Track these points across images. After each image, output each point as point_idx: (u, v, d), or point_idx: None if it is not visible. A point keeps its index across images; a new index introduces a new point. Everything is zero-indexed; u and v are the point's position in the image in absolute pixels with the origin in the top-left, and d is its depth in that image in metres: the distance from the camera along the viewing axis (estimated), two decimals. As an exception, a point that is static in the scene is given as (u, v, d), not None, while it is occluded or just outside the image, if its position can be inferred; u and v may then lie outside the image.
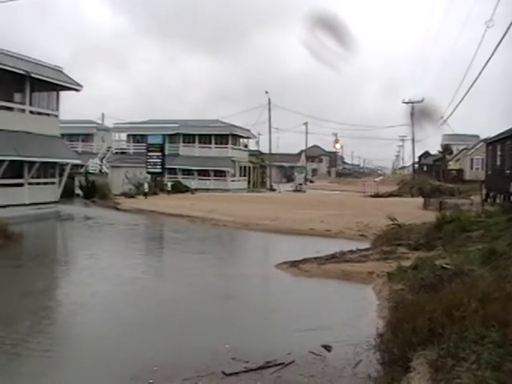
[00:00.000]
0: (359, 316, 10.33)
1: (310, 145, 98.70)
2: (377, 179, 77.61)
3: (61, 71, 29.40)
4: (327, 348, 8.33)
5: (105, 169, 46.78)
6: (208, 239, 21.88)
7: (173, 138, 51.53)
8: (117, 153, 52.81)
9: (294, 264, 14.85)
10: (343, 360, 7.83)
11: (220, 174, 50.22)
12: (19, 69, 25.42)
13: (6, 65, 24.56)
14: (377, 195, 46.66)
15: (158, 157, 45.27)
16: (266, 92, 61.38)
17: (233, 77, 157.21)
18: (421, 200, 33.99)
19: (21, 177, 26.29)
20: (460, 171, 60.28)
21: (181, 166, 49.74)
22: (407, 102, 51.56)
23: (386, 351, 7.25)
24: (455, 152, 68.37)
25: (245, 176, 55.75)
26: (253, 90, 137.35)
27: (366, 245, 18.12)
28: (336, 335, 8.91)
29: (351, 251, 16.29)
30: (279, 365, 7.63)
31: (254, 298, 12.39)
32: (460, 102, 23.65)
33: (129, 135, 55.06)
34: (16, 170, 25.97)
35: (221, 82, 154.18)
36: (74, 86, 29.83)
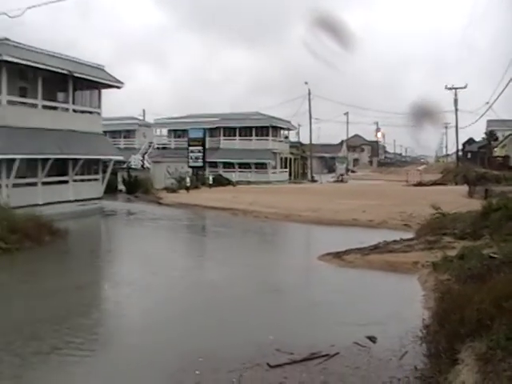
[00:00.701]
0: (404, 307, 10.20)
1: (351, 134, 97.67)
2: (420, 168, 76.25)
3: (102, 69, 29.80)
4: (372, 339, 8.24)
5: (147, 164, 47.30)
6: (250, 231, 21.91)
7: (213, 131, 51.74)
8: (158, 148, 53.38)
9: (338, 255, 14.77)
10: (389, 351, 7.76)
11: (261, 166, 50.17)
12: (62, 69, 25.86)
13: (49, 65, 25.03)
14: (420, 184, 45.80)
15: (199, 151, 45.58)
16: (306, 83, 60.88)
17: (273, 68, 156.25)
18: (465, 188, 33.27)
19: (65, 174, 26.82)
20: (506, 158, 58.51)
21: (222, 160, 49.92)
22: (450, 88, 50.44)
23: (432, 343, 7.13)
24: (501, 138, 66.43)
25: (286, 168, 55.54)
26: (293, 80, 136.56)
27: (409, 235, 17.86)
28: (381, 326, 8.83)
29: (395, 241, 16.09)
30: (324, 356, 7.60)
31: (298, 289, 12.37)
32: (506, 86, 23.00)
33: (170, 130, 55.56)
34: (61, 167, 26.51)
35: (261, 73, 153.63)
36: (115, 84, 30.19)
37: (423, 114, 9.94)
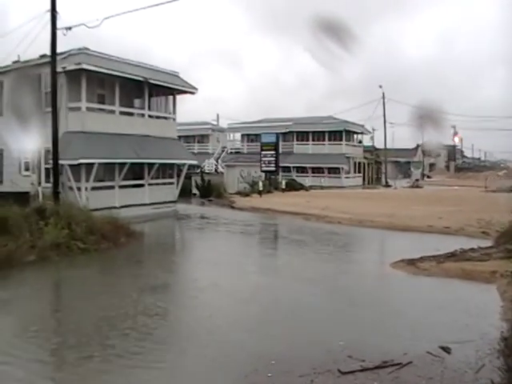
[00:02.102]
0: (481, 318, 9.73)
1: (426, 138, 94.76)
2: (500, 173, 73.11)
3: (177, 76, 30.43)
4: (446, 350, 7.90)
5: (220, 168, 47.95)
6: (323, 236, 21.66)
7: (286, 136, 51.78)
8: (231, 152, 53.97)
9: (412, 262, 14.34)
10: (463, 363, 7.40)
11: (334, 170, 49.74)
12: (138, 76, 26.62)
13: (126, 73, 25.84)
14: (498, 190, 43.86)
15: (271, 155, 45.63)
16: (380, 86, 59.89)
17: (348, 71, 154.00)
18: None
19: (141, 178, 27.56)
20: None
21: (295, 164, 49.85)
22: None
23: (510, 356, 6.70)
24: None
25: (359, 172, 54.80)
26: (368, 84, 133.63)
27: (488, 243, 17.10)
28: (455, 337, 8.47)
29: (472, 249, 15.46)
30: (396, 365, 7.38)
31: (370, 295, 12.09)
32: None
33: (243, 135, 56.07)
34: (137, 171, 27.27)
35: (336, 76, 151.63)
36: (189, 90, 30.74)
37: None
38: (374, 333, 8.97)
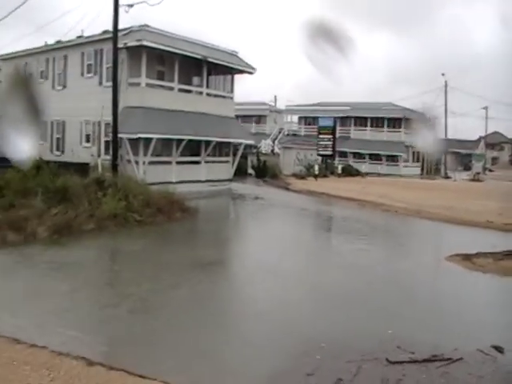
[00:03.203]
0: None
1: (490, 131, 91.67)
2: None
3: (235, 55, 30.33)
4: (499, 349, 7.60)
5: (276, 150, 47.61)
6: (379, 224, 21.37)
7: (344, 120, 51.11)
8: (288, 134, 53.65)
9: (467, 257, 13.86)
10: (517, 365, 7.08)
11: (392, 158, 48.85)
12: (197, 54, 26.70)
13: (185, 50, 25.96)
14: None
15: (328, 139, 45.05)
16: (443, 74, 58.08)
17: (412, 56, 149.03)
18: None
19: (198, 155, 27.74)
20: None
21: (352, 150, 49.20)
22: None
23: None
24: None
25: (418, 162, 53.57)
26: (432, 70, 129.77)
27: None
28: (510, 337, 8.15)
29: (534, 248, 14.74)
30: (446, 360, 7.17)
31: (422, 288, 11.80)
32: None
33: (300, 117, 55.68)
34: (194, 148, 27.45)
35: (399, 61, 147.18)
36: (248, 70, 30.60)
37: None
38: (425, 326, 8.75)
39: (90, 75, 26.77)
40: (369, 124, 51.04)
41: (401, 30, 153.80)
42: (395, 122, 50.28)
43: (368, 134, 50.70)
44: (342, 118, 50.28)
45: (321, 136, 45.35)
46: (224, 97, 30.57)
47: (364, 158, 48.96)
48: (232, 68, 29.42)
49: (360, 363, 6.83)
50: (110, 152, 21.60)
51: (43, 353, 6.33)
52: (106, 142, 24.72)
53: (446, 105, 58.97)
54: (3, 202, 14.98)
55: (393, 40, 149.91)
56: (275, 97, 66.62)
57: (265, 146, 46.07)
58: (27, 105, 9.57)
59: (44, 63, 29.83)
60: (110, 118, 21.19)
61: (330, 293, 10.53)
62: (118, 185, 17.69)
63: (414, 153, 52.12)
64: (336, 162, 46.33)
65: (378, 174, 45.88)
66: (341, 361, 6.93)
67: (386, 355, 7.12)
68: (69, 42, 28.22)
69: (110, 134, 21.50)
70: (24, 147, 11.19)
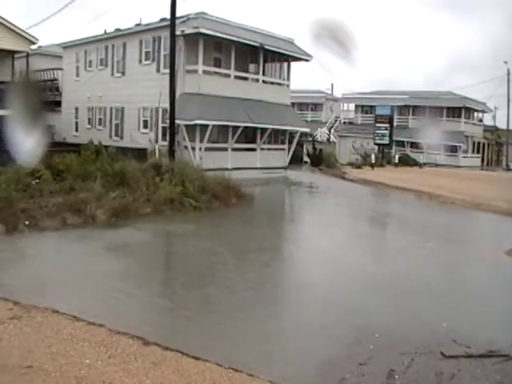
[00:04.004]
0: None
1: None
2: None
3: (292, 42, 30.18)
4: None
5: (332, 138, 47.38)
6: (436, 216, 20.87)
7: (402, 109, 50.11)
8: (344, 123, 53.12)
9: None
10: None
11: (451, 148, 47.58)
12: (254, 41, 26.71)
13: (242, 37, 26.03)
14: None
15: (385, 128, 44.24)
16: (505, 62, 56.06)
17: (477, 41, 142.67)
18: None
19: (253, 142, 27.85)
20: None
21: (409, 139, 48.18)
22: None
23: None
24: None
25: (478, 153, 52.05)
26: (495, 58, 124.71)
27: None
28: None
29: None
30: (504, 356, 6.95)
31: (480, 281, 11.46)
32: None
33: (357, 106, 54.90)
34: (249, 135, 27.58)
35: (460, 48, 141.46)
36: (304, 57, 30.42)
37: None
38: (483, 320, 8.54)
39: (147, 62, 27.22)
40: (427, 113, 49.85)
41: (464, 13, 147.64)
42: (454, 112, 48.95)
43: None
44: (399, 106, 49.28)
45: (378, 125, 44.57)
46: (280, 84, 30.52)
47: (422, 148, 47.93)
48: (288, 55, 29.31)
49: (413, 356, 6.73)
50: (167, 138, 21.93)
51: (101, 331, 6.52)
52: (163, 128, 25.12)
53: (508, 94, 57.08)
54: (64, 185, 15.48)
55: (455, 24, 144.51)
56: (332, 85, 65.95)
57: (320, 134, 45.90)
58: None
59: (103, 51, 30.50)
60: (167, 105, 21.50)
61: (387, 283, 10.40)
62: (175, 170, 17.96)
63: (473, 143, 50.68)
64: (393, 151, 45.52)
65: (436, 165, 44.82)
66: (394, 352, 6.85)
67: (441, 349, 6.97)
68: (127, 29, 28.77)
69: (168, 121, 21.82)
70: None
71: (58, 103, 34.87)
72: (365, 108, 53.18)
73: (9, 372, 5.18)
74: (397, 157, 42.97)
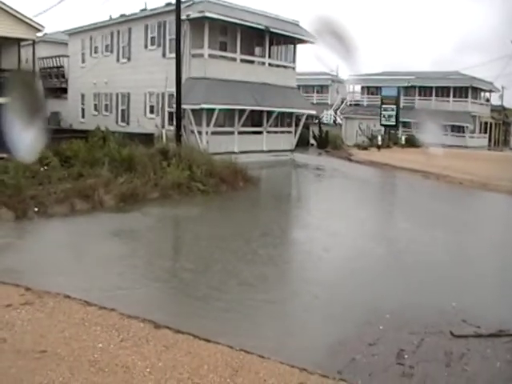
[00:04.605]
0: None
1: None
2: None
3: (297, 25, 29.98)
4: None
5: (339, 120, 47.11)
6: (444, 197, 20.89)
7: (408, 90, 49.76)
8: (351, 104, 52.82)
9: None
10: None
11: (458, 129, 47.28)
12: (259, 24, 26.57)
13: (247, 21, 25.89)
14: None
15: (392, 109, 44.00)
16: None
17: (484, 20, 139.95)
18: None
19: (260, 125, 27.80)
20: None
21: (416, 120, 47.90)
22: None
23: None
24: None
25: (485, 133, 51.72)
26: (505, 36, 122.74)
27: None
28: None
29: None
30: None
31: (490, 263, 11.40)
32: None
33: (363, 87, 54.55)
34: (256, 118, 27.54)
35: (469, 26, 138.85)
36: (309, 39, 30.16)
37: None
38: (493, 300, 8.55)
39: (153, 47, 27.15)
40: (434, 94, 49.48)
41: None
42: (461, 92, 48.55)
43: (433, 104, 49.18)
44: (405, 87, 48.91)
45: (384, 106, 44.32)
46: (286, 67, 30.39)
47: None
48: (294, 38, 29.15)
49: (423, 336, 6.77)
50: (174, 123, 21.93)
51: (112, 315, 6.58)
52: (170, 113, 25.13)
53: (515, 73, 56.46)
54: (72, 171, 15.54)
55: (461, 2, 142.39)
56: (337, 66, 65.46)
57: (327, 116, 45.69)
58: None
59: (109, 37, 30.45)
60: (173, 90, 21.46)
61: (397, 265, 10.41)
62: (182, 155, 17.99)
63: (481, 123, 50.33)
64: (399, 132, 45.31)
65: (443, 145, 44.59)
66: (404, 332, 6.89)
67: (451, 328, 7.01)
68: (132, 15, 28.68)
69: (174, 105, 21.80)
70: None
71: (64, 90, 34.91)
72: (371, 89, 52.83)
73: (23, 357, 5.25)
74: (403, 138, 42.79)
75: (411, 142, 42.42)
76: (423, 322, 7.21)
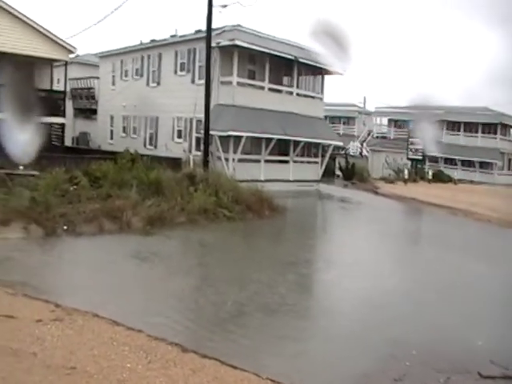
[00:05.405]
0: None
1: None
2: None
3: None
4: None
5: (365, 152, 46.96)
6: (472, 234, 20.63)
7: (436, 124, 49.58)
8: (377, 137, 52.76)
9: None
10: None
11: (486, 165, 46.87)
12: (288, 54, 26.87)
13: (276, 50, 26.20)
14: None
15: (419, 143, 43.81)
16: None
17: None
18: None
19: (286, 154, 27.89)
20: None
21: (443, 155, 47.59)
22: None
23: None
24: None
25: (514, 170, 51.13)
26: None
27: None
28: None
29: None
30: None
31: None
32: None
33: (390, 120, 54.52)
34: (282, 147, 27.66)
35: (501, 60, 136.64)
36: (337, 70, 30.38)
37: None
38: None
39: (183, 73, 27.57)
40: (462, 129, 49.25)
41: (503, 24, 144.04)
42: (490, 128, 48.26)
43: (461, 139, 48.92)
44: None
45: (411, 139, 44.20)
46: (313, 97, 30.58)
47: (456, 164, 47.29)
48: (322, 68, 29.31)
49: (450, 374, 6.63)
50: (201, 148, 22.12)
51: (140, 336, 6.61)
52: (197, 138, 25.39)
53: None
54: (100, 191, 15.74)
55: (491, 36, 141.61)
56: (364, 98, 65.60)
57: (353, 148, 45.57)
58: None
59: (139, 61, 31.00)
60: (201, 115, 21.72)
61: (424, 298, 10.29)
62: (209, 180, 18.08)
63: (509, 160, 49.84)
64: (426, 166, 45.04)
65: (471, 182, 44.17)
66: (430, 369, 6.75)
67: (478, 369, 6.84)
68: (163, 40, 29.25)
69: (202, 131, 22.01)
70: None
71: (94, 111, 35.52)
72: (398, 122, 52.78)
73: (53, 372, 5.29)
74: (430, 172, 42.50)
75: (438, 177, 42.14)
76: (449, 360, 7.07)
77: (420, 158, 43.66)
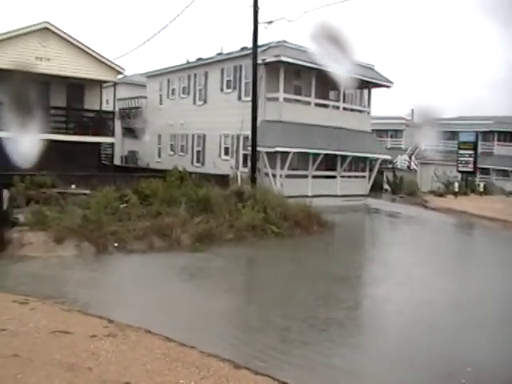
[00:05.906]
0: None
1: None
2: None
3: (372, 69, 30.01)
4: None
5: (413, 165, 46.25)
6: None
7: (486, 135, 48.39)
8: (426, 150, 51.86)
9: None
10: None
11: (540, 177, 45.38)
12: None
13: (322, 65, 26.04)
14: None
15: (469, 155, 42.83)
16: None
17: None
18: None
19: (334, 169, 27.71)
20: None
21: (495, 166, 46.37)
22: None
23: None
24: None
25: None
26: None
27: None
28: None
29: None
30: None
31: None
32: None
33: (439, 132, 53.55)
34: (330, 162, 27.49)
35: None
36: (385, 83, 30.17)
37: None
38: None
39: (229, 90, 27.82)
40: (514, 139, 47.93)
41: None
42: (545, 138, 46.82)
43: (513, 150, 47.57)
44: (484, 132, 47.64)
45: (461, 152, 43.24)
46: (360, 111, 30.39)
47: (508, 176, 45.99)
48: (369, 82, 29.10)
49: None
50: (248, 164, 22.19)
51: (192, 352, 6.62)
52: (244, 155, 25.48)
53: None
54: (150, 209, 15.98)
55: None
56: (412, 110, 64.70)
57: (401, 161, 45.01)
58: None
59: (186, 79, 31.48)
60: (248, 132, 21.82)
61: (476, 315, 10.01)
62: (257, 197, 18.09)
63: None
64: (477, 179, 43.95)
65: (525, 194, 42.87)
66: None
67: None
68: (209, 59, 29.66)
69: (249, 147, 22.11)
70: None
71: (142, 130, 36.20)
72: (447, 134, 51.81)
73: (108, 387, 5.32)
74: (481, 185, 41.43)
75: (490, 190, 41.05)
76: (508, 379, 6.88)
77: (471, 170, 42.68)
